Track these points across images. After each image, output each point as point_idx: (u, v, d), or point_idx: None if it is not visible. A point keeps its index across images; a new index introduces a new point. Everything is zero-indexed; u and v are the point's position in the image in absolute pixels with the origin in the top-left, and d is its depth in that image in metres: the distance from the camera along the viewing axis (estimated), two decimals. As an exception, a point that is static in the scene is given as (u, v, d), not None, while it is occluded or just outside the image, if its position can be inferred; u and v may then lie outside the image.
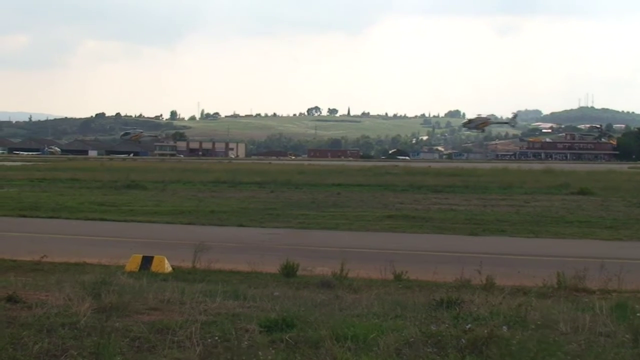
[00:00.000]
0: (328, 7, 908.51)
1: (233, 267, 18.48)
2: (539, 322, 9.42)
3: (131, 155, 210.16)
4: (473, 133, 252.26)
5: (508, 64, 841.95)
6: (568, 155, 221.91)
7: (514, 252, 22.46)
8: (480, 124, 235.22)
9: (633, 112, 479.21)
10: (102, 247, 22.13)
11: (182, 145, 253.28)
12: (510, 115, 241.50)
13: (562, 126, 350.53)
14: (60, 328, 8.74)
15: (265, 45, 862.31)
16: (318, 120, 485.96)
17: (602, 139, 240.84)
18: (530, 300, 11.11)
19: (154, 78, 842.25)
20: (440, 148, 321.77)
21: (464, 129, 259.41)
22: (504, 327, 8.79)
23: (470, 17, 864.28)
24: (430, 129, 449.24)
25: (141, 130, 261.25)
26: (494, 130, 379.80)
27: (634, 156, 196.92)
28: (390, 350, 7.97)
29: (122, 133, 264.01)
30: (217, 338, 8.52)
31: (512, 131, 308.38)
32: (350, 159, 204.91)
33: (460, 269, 15.93)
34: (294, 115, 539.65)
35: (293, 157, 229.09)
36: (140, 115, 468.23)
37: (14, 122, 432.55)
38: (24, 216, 31.98)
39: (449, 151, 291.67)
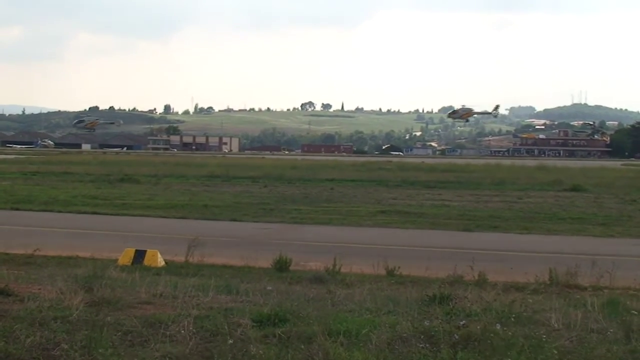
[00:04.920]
0: (322, 1, 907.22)
1: (226, 262, 18.49)
2: (530, 319, 9.45)
3: (125, 149, 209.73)
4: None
5: (502, 60, 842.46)
6: (561, 152, 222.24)
7: (507, 248, 22.52)
8: None
9: (626, 109, 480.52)
10: (95, 241, 22.10)
11: (175, 139, 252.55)
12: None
13: (556, 123, 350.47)
14: (53, 321, 8.72)
15: (258, 40, 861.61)
16: (312, 115, 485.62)
17: (595, 136, 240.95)
18: (525, 296, 11.15)
19: (148, 72, 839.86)
20: (433, 144, 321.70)
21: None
22: (497, 324, 8.81)
23: (464, 13, 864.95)
24: (424, 125, 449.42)
25: None
26: (488, 126, 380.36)
27: (626, 153, 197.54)
28: (382, 345, 7.97)
29: None
30: (209, 332, 8.52)
31: (505, 127, 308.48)
32: (344, 154, 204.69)
33: (453, 264, 15.96)
34: (288, 110, 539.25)
35: (287, 152, 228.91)
36: (134, 109, 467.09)
37: (7, 115, 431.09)
38: (17, 209, 31.93)
39: (443, 147, 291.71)
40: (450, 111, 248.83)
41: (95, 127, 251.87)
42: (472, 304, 10.41)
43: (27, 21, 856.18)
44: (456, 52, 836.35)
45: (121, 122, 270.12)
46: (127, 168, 60.85)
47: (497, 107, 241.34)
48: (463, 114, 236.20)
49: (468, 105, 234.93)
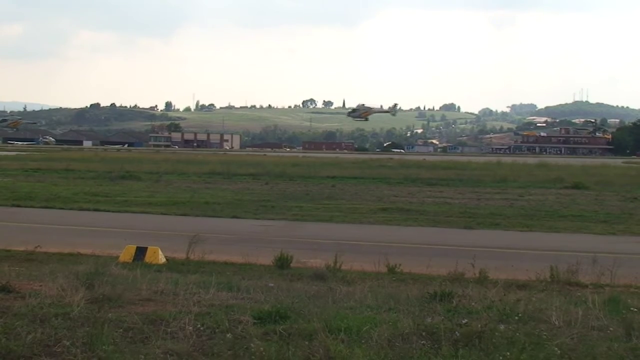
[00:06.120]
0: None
1: (227, 259, 18.47)
2: (532, 316, 9.45)
3: (126, 145, 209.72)
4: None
5: (503, 58, 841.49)
6: (562, 150, 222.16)
7: (508, 245, 22.50)
8: None
9: (627, 107, 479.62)
10: (96, 238, 22.09)
11: (176, 136, 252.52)
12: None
13: (557, 120, 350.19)
14: (54, 318, 8.73)
15: (260, 37, 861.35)
16: (313, 112, 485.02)
17: (597, 134, 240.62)
18: (530, 295, 11.14)
19: (150, 69, 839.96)
20: (435, 141, 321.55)
21: None
22: (500, 322, 8.81)
23: (465, 11, 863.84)
24: (425, 122, 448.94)
25: None
26: (489, 124, 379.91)
27: (628, 151, 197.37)
28: (383, 342, 7.98)
29: None
30: (210, 329, 8.53)
31: (506, 125, 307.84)
32: (345, 151, 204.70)
33: (454, 262, 15.97)
34: (289, 107, 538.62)
35: (288, 149, 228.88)
36: (135, 105, 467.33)
37: (8, 111, 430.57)
38: (18, 206, 31.92)
39: (444, 144, 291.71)
40: (349, 110, 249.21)
41: (19, 127, 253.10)
42: (474, 302, 10.42)
43: (28, 18, 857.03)
44: (457, 49, 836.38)
45: (43, 122, 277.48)
46: (128, 165, 60.86)
47: (395, 105, 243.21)
48: (362, 113, 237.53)
49: (368, 104, 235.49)
